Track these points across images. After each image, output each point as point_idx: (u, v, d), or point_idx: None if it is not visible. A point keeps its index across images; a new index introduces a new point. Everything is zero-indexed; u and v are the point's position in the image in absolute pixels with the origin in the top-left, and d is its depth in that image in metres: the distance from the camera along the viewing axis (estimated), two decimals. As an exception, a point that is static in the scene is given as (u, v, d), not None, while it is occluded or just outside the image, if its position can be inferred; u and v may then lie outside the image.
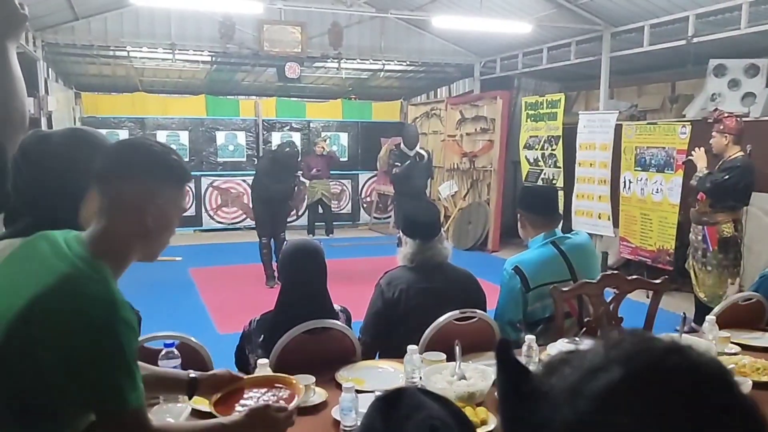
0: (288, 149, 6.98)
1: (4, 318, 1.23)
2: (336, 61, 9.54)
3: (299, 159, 7.53)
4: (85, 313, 1.23)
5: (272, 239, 6.84)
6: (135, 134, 9.80)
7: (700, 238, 4.78)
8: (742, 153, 4.59)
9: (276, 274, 6.60)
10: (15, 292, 1.26)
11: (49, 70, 8.38)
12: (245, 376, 1.79)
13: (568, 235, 2.86)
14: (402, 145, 7.55)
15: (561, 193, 7.83)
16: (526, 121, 8.49)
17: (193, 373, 1.68)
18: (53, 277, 1.25)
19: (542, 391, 0.62)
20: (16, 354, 1.23)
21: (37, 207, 1.46)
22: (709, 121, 4.99)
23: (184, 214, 1.48)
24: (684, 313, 2.37)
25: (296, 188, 7.22)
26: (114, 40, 8.28)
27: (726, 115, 4.76)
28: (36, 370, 1.23)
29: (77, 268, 1.27)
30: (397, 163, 7.47)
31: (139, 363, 1.38)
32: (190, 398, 1.68)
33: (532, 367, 2.14)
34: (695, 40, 6.39)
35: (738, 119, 4.70)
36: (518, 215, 2.93)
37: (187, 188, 1.47)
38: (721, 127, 4.62)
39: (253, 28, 8.66)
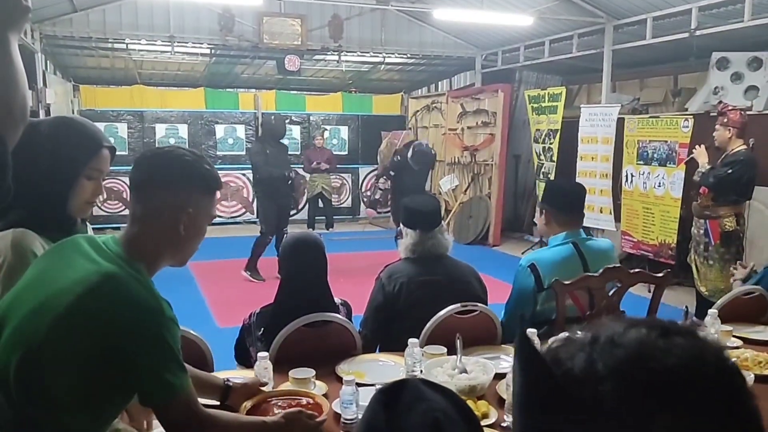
0: (273, 118, 6.99)
1: (51, 312, 1.28)
2: (336, 53, 9.50)
3: (287, 121, 7.50)
4: (132, 310, 1.29)
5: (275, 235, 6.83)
6: (134, 127, 9.78)
7: (702, 232, 4.73)
8: (745, 147, 4.55)
9: (257, 267, 6.67)
10: (60, 286, 1.31)
11: (48, 62, 8.35)
12: (270, 388, 1.90)
13: (592, 238, 2.81)
14: (409, 159, 7.12)
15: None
16: (532, 115, 8.46)
17: (229, 381, 1.79)
18: (99, 275, 1.31)
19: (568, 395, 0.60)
20: (60, 346, 1.27)
21: (27, 197, 1.46)
22: (713, 114, 4.97)
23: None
24: (686, 307, 2.36)
25: (294, 175, 7.15)
26: (112, 32, 8.23)
27: (730, 108, 4.70)
28: (78, 363, 1.28)
29: (121, 267, 1.34)
30: (392, 173, 7.42)
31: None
32: (221, 403, 1.77)
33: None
34: (698, 32, 6.35)
35: (742, 113, 4.65)
36: (542, 210, 2.85)
37: (216, 197, 1.50)
38: (725, 120, 4.57)
39: (252, 20, 8.61)
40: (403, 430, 0.85)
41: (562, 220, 2.77)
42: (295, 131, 10.74)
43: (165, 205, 1.40)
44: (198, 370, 1.80)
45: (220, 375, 2.08)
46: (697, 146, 4.98)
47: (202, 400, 1.50)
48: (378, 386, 0.94)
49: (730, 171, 4.46)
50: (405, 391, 0.91)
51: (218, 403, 1.78)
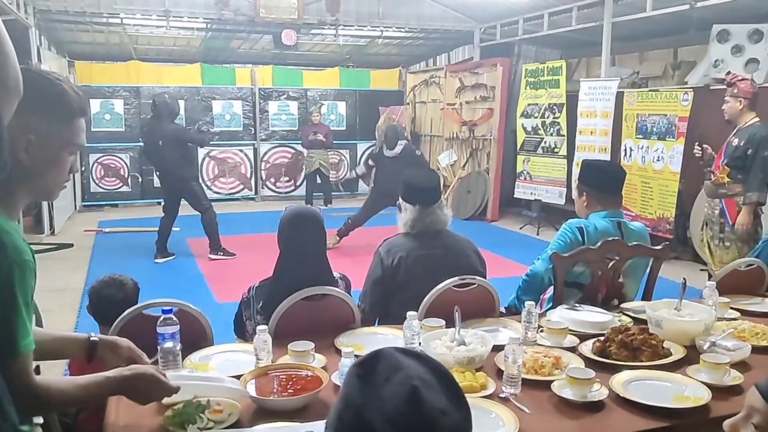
0: (167, 96, 6.73)
1: None
2: (333, 27, 9.39)
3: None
4: None
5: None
6: (130, 104, 9.70)
7: (717, 212, 4.40)
8: (757, 119, 4.26)
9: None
10: None
11: (42, 37, 8.24)
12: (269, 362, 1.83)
13: (628, 222, 2.82)
14: (384, 148, 6.95)
15: (564, 162, 7.82)
16: (526, 89, 8.40)
17: (92, 335, 1.63)
18: None
19: None
20: None
21: None
22: (713, 87, 4.82)
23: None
24: (684, 279, 2.35)
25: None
26: (107, 6, 8.12)
27: (740, 78, 4.40)
28: None
29: None
30: (370, 162, 7.31)
31: (38, 329, 1.33)
32: (89, 361, 1.63)
33: (530, 333, 2.13)
34: (698, 4, 6.28)
35: (752, 82, 4.36)
36: (582, 192, 2.83)
37: (79, 123, 1.37)
38: (735, 91, 4.27)
39: (248, -6, 8.51)
40: (380, 401, 0.85)
41: (604, 201, 2.76)
42: (293, 107, 10.67)
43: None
44: (52, 332, 1.65)
45: (220, 348, 2.09)
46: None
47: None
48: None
49: (750, 151, 4.12)
50: (381, 361, 0.90)
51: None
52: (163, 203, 6.69)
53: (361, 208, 7.19)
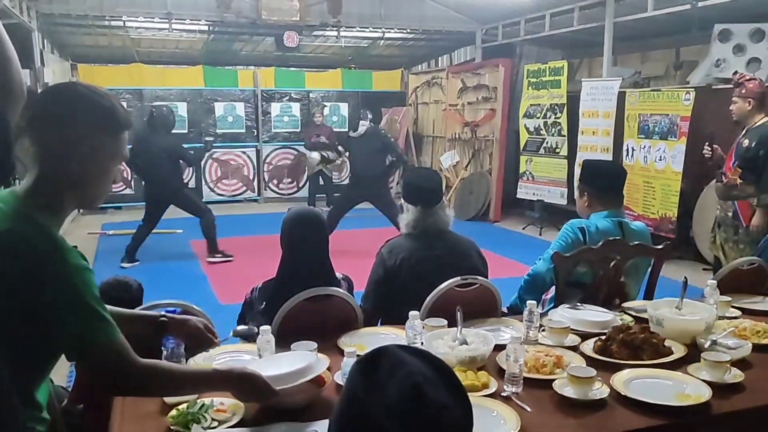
0: (164, 108, 6.79)
1: None
2: (335, 29, 9.41)
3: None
4: (36, 267, 1.25)
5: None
6: (133, 106, 9.74)
7: (730, 214, 4.31)
8: (767, 119, 4.17)
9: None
10: None
11: (45, 41, 8.28)
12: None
13: (629, 221, 2.84)
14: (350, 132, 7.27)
15: (565, 162, 7.82)
16: (528, 89, 8.41)
17: (164, 316, 1.73)
18: None
19: None
20: None
21: None
22: (715, 87, 4.77)
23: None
24: (685, 278, 2.36)
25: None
26: (109, 9, 8.16)
27: (748, 77, 4.31)
28: None
29: (19, 224, 1.28)
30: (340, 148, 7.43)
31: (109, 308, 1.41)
32: (159, 337, 1.72)
33: (532, 333, 2.13)
34: (700, 4, 6.28)
35: (761, 82, 4.29)
36: (583, 192, 2.85)
37: (125, 136, 1.43)
38: (743, 91, 4.19)
39: (250, -4, 8.53)
40: (383, 397, 0.86)
41: (605, 201, 2.78)
42: (295, 108, 10.70)
43: (58, 142, 1.33)
44: (129, 309, 1.75)
45: (223, 348, 2.10)
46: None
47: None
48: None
49: (762, 152, 4.07)
50: (384, 358, 0.92)
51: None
52: (145, 211, 6.56)
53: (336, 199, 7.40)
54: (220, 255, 6.54)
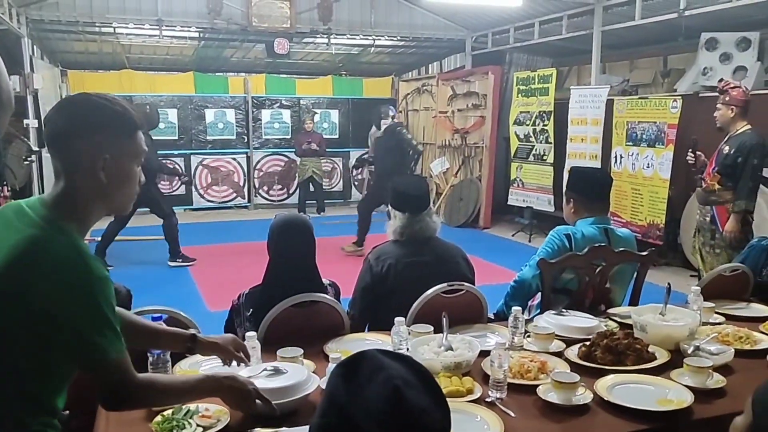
0: (148, 106, 6.77)
1: None
2: (326, 36, 9.44)
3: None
4: (56, 273, 1.27)
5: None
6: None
7: (708, 219, 4.38)
8: (749, 127, 4.22)
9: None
10: None
11: (34, 47, 8.25)
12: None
13: (615, 228, 2.85)
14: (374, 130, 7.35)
15: (551, 169, 7.87)
16: (518, 97, 8.47)
17: (196, 333, 1.78)
18: (22, 242, 1.28)
19: None
20: None
21: None
22: (702, 95, 4.82)
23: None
24: (668, 284, 2.38)
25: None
26: (99, 15, 8.14)
27: (732, 85, 4.35)
28: (11, 332, 1.27)
29: (42, 229, 1.30)
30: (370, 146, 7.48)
31: (136, 318, 1.45)
32: (189, 355, 1.81)
33: (517, 338, 2.14)
34: (687, 13, 6.36)
35: (745, 90, 4.31)
36: (569, 199, 2.87)
37: (140, 134, 1.45)
38: (727, 98, 4.24)
39: (241, 2, 8.54)
40: (364, 400, 0.87)
41: (591, 208, 2.80)
42: (285, 115, 10.71)
43: (80, 153, 1.35)
44: (148, 323, 1.78)
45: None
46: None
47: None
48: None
49: (740, 159, 4.12)
50: (364, 362, 0.93)
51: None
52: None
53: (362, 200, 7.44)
54: (180, 260, 6.57)
